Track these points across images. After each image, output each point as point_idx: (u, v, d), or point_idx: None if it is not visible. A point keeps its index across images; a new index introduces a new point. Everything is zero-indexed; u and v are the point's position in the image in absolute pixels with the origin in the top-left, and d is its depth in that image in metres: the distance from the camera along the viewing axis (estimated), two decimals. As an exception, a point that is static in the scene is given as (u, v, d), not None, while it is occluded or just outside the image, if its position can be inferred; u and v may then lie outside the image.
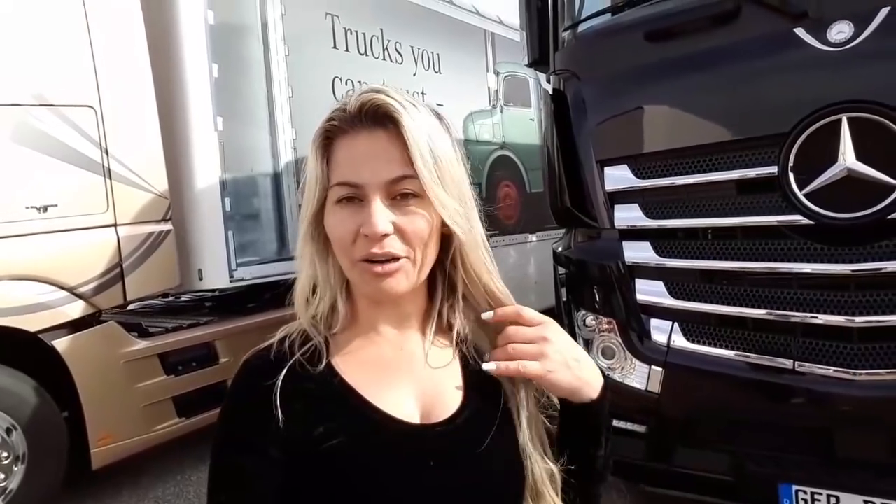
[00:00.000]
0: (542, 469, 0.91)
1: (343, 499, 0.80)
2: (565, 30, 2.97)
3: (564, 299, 2.97)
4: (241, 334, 4.34)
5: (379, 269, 0.83)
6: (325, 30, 4.93)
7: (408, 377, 0.91)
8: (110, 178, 3.60)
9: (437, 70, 5.96)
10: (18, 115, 3.29)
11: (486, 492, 0.88)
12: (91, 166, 3.53)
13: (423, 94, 5.69)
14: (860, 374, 2.12)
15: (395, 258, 0.83)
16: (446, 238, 0.89)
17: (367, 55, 5.27)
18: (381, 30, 5.41)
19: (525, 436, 0.91)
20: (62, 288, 3.37)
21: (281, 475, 0.81)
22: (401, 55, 5.59)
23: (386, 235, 0.82)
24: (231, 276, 4.12)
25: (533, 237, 6.89)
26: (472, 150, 6.25)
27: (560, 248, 3.11)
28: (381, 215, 0.81)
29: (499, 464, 0.89)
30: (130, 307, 4.26)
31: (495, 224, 6.37)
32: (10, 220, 3.22)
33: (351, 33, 5.13)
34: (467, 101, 6.37)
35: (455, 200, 0.85)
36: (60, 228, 3.38)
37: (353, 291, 0.91)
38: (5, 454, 3.23)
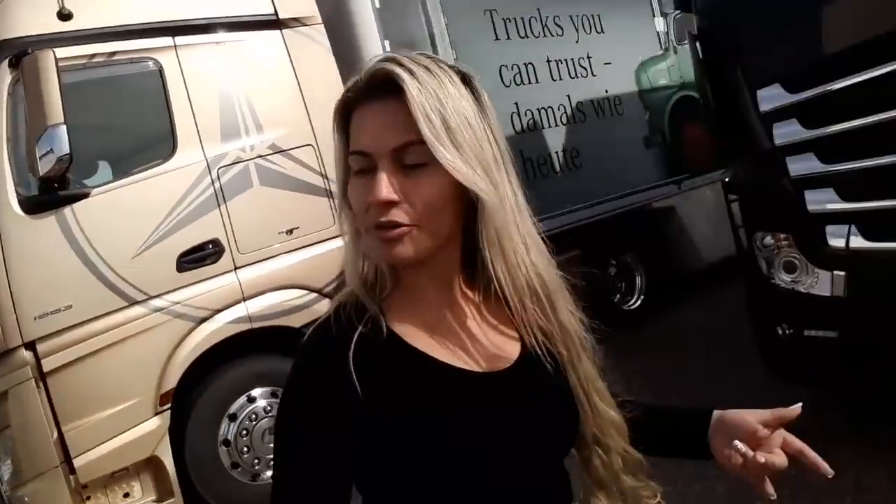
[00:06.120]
0: (606, 418, 0.96)
1: (438, 459, 0.81)
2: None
3: (740, 225, 3.02)
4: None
5: (384, 234, 0.82)
6: (485, 27, 5.30)
7: (463, 332, 0.91)
8: (331, 197, 4.37)
9: (599, 30, 5.99)
10: (263, 164, 4.17)
11: (555, 426, 0.93)
12: (317, 192, 4.32)
13: (588, 57, 5.80)
14: None
15: (399, 225, 0.81)
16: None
17: (527, 37, 5.53)
18: (538, 10, 5.62)
19: (579, 386, 0.94)
20: (312, 290, 4.19)
21: (358, 447, 0.82)
22: (560, 27, 5.74)
23: (391, 203, 0.80)
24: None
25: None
26: (648, 100, 6.17)
27: (728, 178, 3.14)
28: (384, 183, 0.80)
29: (564, 401, 0.94)
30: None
31: (687, 167, 6.21)
32: (269, 245, 4.10)
33: (510, 21, 5.42)
34: (636, 52, 6.28)
35: (473, 162, 0.81)
36: (304, 244, 4.21)
37: None
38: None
